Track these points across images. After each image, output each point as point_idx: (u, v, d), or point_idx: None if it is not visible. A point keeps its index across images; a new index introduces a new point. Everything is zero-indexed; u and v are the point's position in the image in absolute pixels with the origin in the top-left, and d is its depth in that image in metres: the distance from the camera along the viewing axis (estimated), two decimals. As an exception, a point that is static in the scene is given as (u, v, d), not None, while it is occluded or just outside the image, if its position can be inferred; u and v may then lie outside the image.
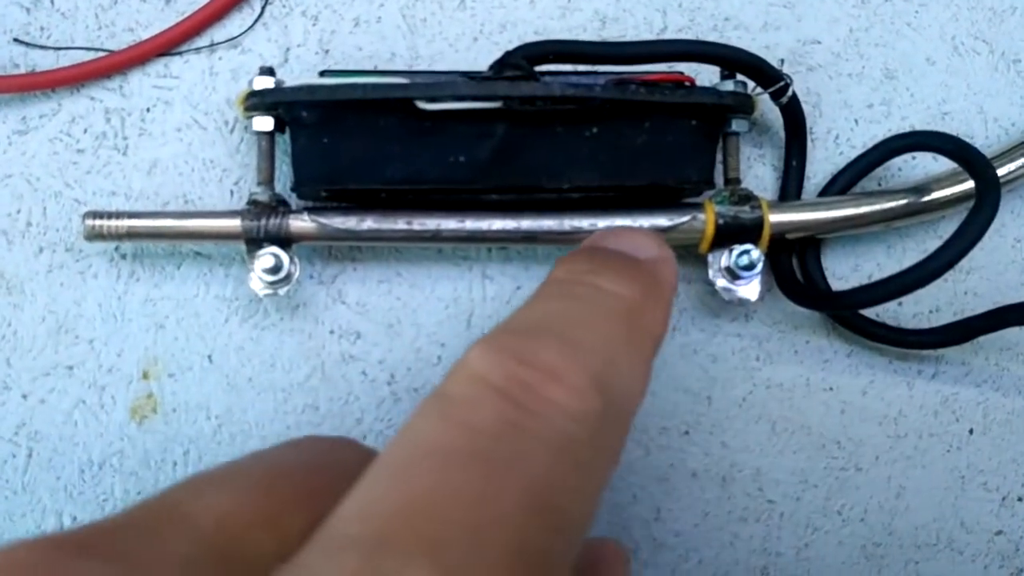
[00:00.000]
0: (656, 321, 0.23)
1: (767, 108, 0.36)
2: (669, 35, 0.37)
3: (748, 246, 0.34)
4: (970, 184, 0.34)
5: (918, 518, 0.38)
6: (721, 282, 0.34)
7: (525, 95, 0.30)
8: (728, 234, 0.34)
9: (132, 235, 0.33)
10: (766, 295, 0.37)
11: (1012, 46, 0.38)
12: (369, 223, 0.33)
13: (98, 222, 0.33)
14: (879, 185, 0.37)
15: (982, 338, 0.37)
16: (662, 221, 0.34)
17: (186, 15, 0.36)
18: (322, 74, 0.35)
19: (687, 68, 0.35)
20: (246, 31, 0.36)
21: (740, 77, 0.34)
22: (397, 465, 0.18)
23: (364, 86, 0.30)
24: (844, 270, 0.38)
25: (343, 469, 0.22)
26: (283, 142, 0.35)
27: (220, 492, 0.21)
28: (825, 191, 0.37)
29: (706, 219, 0.34)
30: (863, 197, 0.35)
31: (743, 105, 0.33)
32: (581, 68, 0.34)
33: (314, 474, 0.22)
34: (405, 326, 0.36)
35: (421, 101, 0.30)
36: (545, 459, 0.18)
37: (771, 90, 0.34)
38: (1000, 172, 0.36)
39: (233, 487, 0.21)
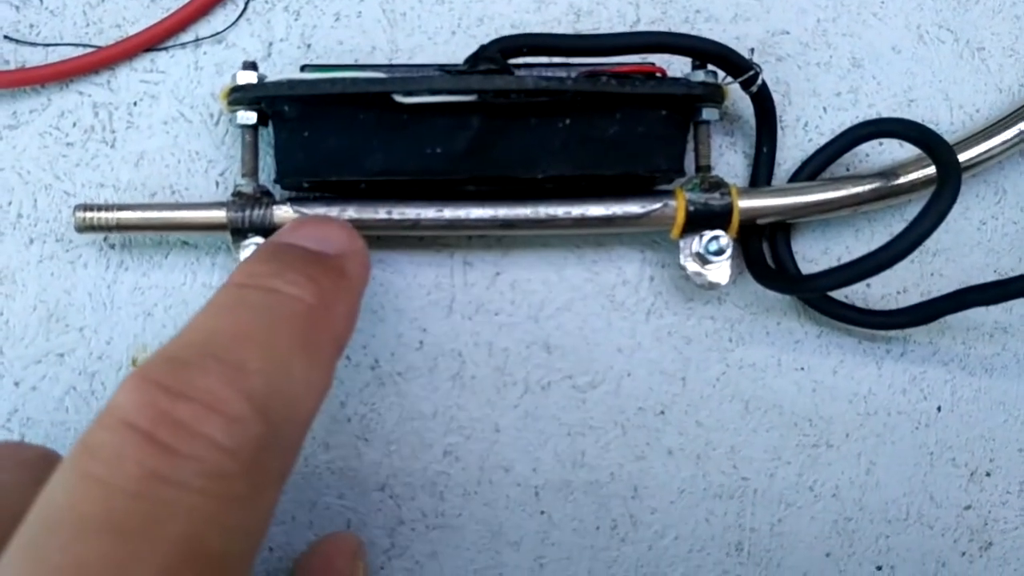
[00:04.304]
0: (339, 319, 0.23)
1: (738, 97, 0.37)
2: (642, 27, 0.38)
3: (718, 232, 0.35)
4: (934, 169, 0.35)
5: (888, 493, 0.39)
6: (692, 267, 0.35)
7: (499, 88, 0.31)
8: (699, 220, 0.35)
9: (121, 227, 0.34)
10: (738, 278, 0.38)
11: (976, 34, 0.39)
12: (350, 213, 0.34)
13: (88, 214, 0.34)
14: (847, 171, 0.38)
15: (948, 318, 0.38)
16: (634, 208, 0.35)
17: (171, 11, 0.37)
18: (303, 68, 0.35)
19: (658, 59, 0.36)
20: (230, 26, 0.37)
21: (711, 67, 0.35)
22: (31, 539, 0.17)
23: (343, 81, 0.31)
24: (814, 254, 0.39)
25: None
26: (266, 135, 0.36)
27: None
28: (795, 177, 0.37)
29: (677, 206, 0.35)
30: (831, 183, 0.36)
31: (713, 94, 0.34)
32: (555, 60, 0.35)
33: None
34: (388, 312, 0.37)
35: (398, 95, 0.31)
36: (193, 507, 0.17)
37: (741, 79, 0.35)
38: (963, 157, 0.37)
39: None
